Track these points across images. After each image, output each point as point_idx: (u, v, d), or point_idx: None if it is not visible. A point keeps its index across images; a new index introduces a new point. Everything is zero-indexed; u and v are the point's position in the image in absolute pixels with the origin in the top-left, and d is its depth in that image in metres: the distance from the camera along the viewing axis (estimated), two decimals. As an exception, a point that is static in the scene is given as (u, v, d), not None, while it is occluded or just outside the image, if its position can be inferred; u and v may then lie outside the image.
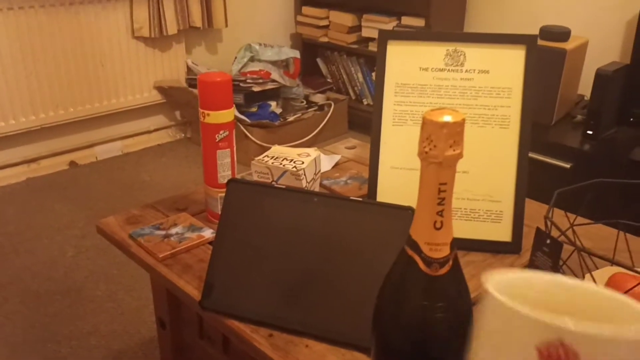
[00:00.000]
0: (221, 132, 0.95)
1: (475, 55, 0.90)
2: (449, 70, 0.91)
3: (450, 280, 0.49)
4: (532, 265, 0.80)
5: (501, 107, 0.90)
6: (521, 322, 0.34)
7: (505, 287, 0.37)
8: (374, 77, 2.48)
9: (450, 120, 0.42)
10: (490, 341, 0.35)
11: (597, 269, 0.81)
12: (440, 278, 0.48)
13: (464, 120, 0.43)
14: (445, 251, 0.48)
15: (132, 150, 3.01)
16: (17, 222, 2.31)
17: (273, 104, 2.94)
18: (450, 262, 0.48)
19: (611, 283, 0.74)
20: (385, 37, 0.94)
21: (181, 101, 3.05)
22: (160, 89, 3.01)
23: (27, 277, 1.96)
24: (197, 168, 2.82)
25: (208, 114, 0.94)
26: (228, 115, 0.95)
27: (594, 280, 0.75)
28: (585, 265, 0.74)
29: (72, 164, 2.82)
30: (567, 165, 2.19)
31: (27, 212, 2.40)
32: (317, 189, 1.04)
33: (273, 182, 0.96)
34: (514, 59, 0.88)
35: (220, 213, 0.84)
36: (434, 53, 0.91)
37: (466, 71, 0.90)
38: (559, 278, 0.38)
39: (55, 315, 1.78)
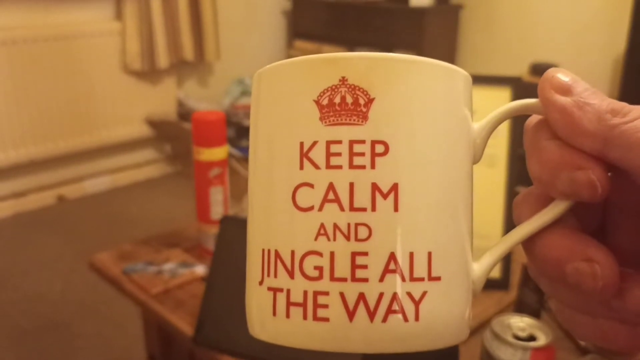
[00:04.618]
0: (214, 169, 0.97)
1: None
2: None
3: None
4: (519, 301, 0.82)
5: (488, 147, 0.92)
6: (294, 77, 0.26)
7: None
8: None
9: None
10: (265, 124, 0.27)
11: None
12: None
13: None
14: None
15: (122, 184, 3.01)
16: (4, 257, 2.29)
17: (263, 138, 2.97)
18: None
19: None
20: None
21: (172, 135, 3.07)
22: (150, 123, 3.03)
23: (15, 312, 1.94)
24: (187, 202, 2.82)
25: (201, 152, 0.96)
26: (221, 152, 0.97)
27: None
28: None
29: (61, 197, 2.81)
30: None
31: (14, 246, 2.38)
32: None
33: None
34: (499, 100, 0.91)
35: (212, 249, 0.85)
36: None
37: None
38: None
39: (43, 351, 1.76)
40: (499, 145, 0.92)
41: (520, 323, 0.64)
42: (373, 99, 0.25)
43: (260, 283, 0.26)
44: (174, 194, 2.92)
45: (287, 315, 0.25)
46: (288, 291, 0.25)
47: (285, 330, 0.25)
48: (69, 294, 2.05)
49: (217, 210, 0.99)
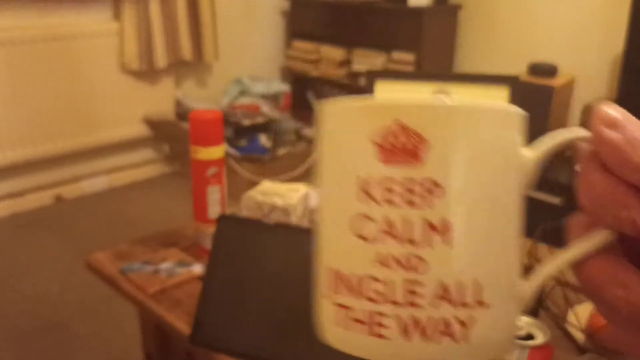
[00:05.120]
0: (212, 168, 0.96)
1: (460, 94, 0.92)
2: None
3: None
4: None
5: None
6: (354, 117, 0.28)
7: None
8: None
9: None
10: (329, 157, 0.30)
11: (581, 302, 0.83)
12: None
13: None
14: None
15: (120, 184, 3.00)
16: (1, 258, 2.29)
17: (263, 137, 2.97)
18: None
19: (594, 317, 0.75)
20: (373, 77, 0.97)
21: (170, 135, 3.07)
22: (149, 123, 3.03)
23: (13, 313, 1.94)
24: (185, 202, 2.80)
25: (199, 151, 0.95)
26: (219, 151, 0.96)
27: (576, 315, 0.76)
28: (567, 300, 0.75)
29: (59, 198, 2.80)
30: (557, 201, 2.22)
31: (12, 247, 2.38)
32: (307, 224, 1.05)
33: (264, 219, 0.97)
34: (497, 99, 0.91)
35: (210, 248, 0.84)
36: (420, 92, 0.94)
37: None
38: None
39: (41, 352, 1.75)
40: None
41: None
42: (427, 141, 0.27)
43: (326, 296, 0.29)
44: (172, 194, 2.91)
45: (349, 328, 0.28)
46: (350, 308, 0.28)
47: (347, 340, 0.28)
48: (67, 294, 2.04)
49: (214, 210, 0.98)
